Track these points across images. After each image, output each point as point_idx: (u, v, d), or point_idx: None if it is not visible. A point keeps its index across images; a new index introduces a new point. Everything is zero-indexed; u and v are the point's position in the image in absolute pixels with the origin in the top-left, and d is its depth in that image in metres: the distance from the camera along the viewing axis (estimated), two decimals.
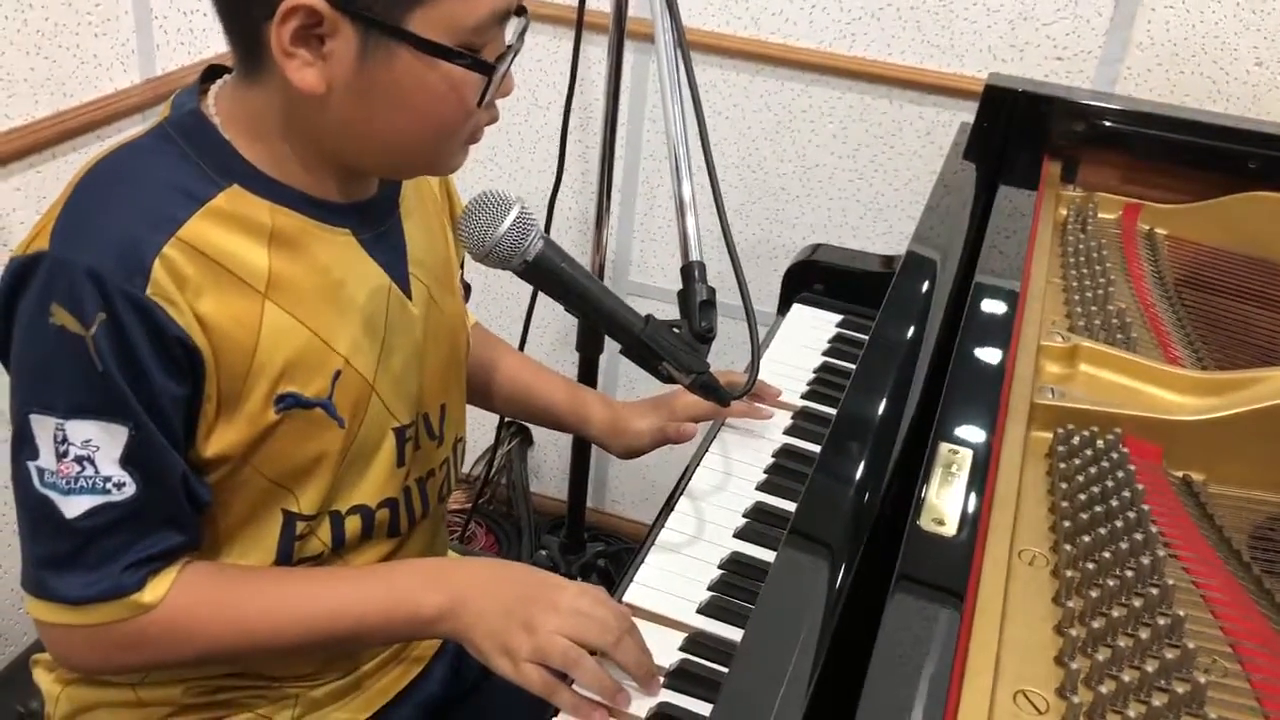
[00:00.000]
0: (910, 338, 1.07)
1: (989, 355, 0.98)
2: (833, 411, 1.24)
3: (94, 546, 0.84)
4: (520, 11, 0.90)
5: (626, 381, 2.19)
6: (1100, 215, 1.38)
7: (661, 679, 0.88)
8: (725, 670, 0.88)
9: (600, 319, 0.96)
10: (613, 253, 1.98)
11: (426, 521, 1.07)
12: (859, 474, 0.90)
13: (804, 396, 1.28)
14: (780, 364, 1.33)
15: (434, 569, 0.94)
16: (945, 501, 0.80)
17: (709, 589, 0.99)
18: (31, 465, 0.83)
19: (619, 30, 1.71)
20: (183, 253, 0.82)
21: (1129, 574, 0.77)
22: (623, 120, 1.85)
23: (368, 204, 0.95)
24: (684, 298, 1.05)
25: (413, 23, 0.81)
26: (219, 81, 0.91)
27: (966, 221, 1.28)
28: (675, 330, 0.98)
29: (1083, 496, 0.85)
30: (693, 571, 1.01)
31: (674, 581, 1.00)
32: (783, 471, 1.15)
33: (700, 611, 0.96)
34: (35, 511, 0.84)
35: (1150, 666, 0.70)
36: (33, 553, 0.86)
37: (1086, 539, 0.80)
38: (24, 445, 0.83)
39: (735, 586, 0.99)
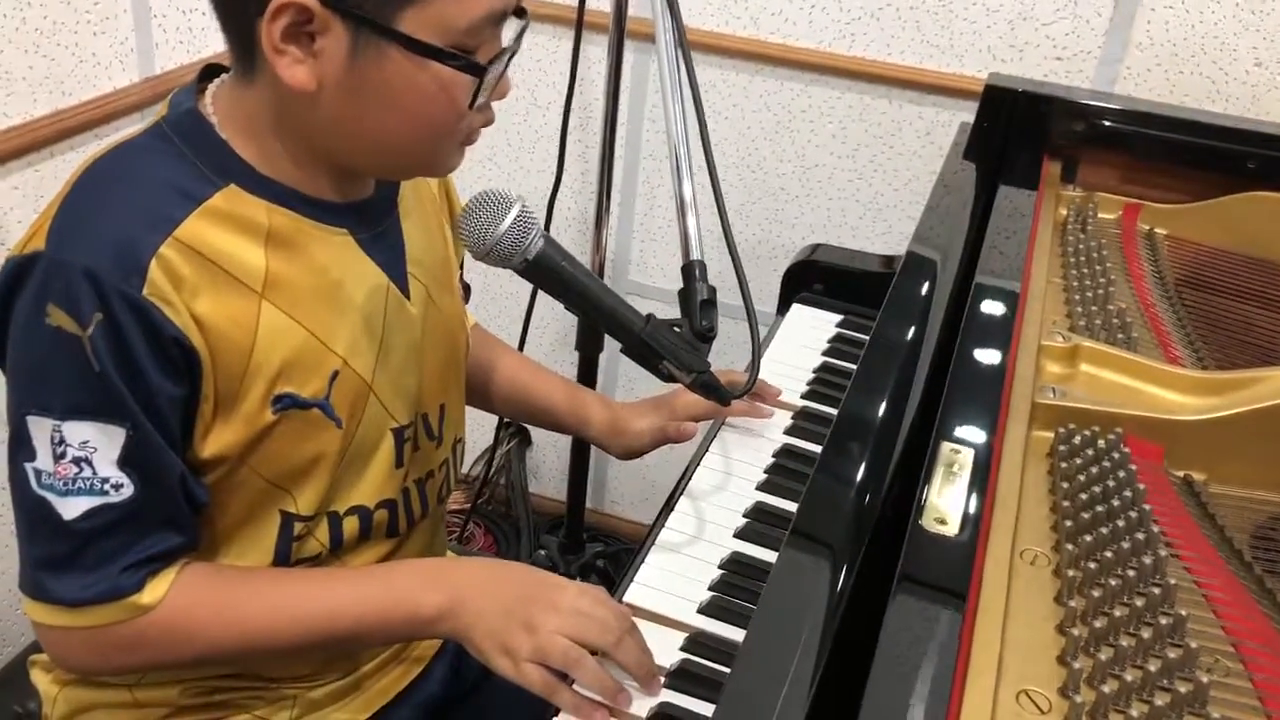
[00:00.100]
0: (911, 338, 1.07)
1: (990, 355, 0.98)
2: (833, 411, 1.24)
3: (92, 548, 0.84)
4: (520, 13, 0.90)
5: (626, 381, 2.18)
6: (1100, 215, 1.38)
7: (662, 679, 0.88)
8: (726, 670, 0.88)
9: (601, 318, 0.96)
10: (612, 252, 1.97)
11: (426, 522, 1.07)
12: (860, 474, 0.89)
13: (804, 396, 1.28)
14: (780, 364, 1.33)
15: (433, 569, 0.93)
16: (947, 501, 0.79)
17: (709, 589, 0.99)
18: (29, 467, 0.83)
19: (619, 30, 1.70)
20: (179, 253, 0.82)
21: (1131, 573, 0.77)
22: (622, 120, 1.85)
23: (366, 204, 0.95)
24: (685, 297, 1.05)
25: (404, 22, 0.80)
26: (217, 81, 0.91)
27: (967, 222, 1.28)
28: (676, 329, 0.98)
29: (1084, 496, 0.85)
30: (693, 571, 1.01)
31: (674, 581, 1.00)
32: (783, 471, 1.15)
33: (701, 611, 0.96)
34: (33, 513, 0.84)
35: (1153, 666, 0.70)
36: (30, 554, 0.86)
37: (1088, 538, 0.80)
38: (21, 447, 0.83)
39: (736, 586, 0.99)
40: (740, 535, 1.06)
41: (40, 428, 0.82)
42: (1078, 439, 0.93)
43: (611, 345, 1.95)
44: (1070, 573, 0.77)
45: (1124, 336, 1.09)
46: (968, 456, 0.84)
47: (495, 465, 2.21)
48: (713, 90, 1.91)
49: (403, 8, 0.80)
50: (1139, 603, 0.75)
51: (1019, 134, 1.43)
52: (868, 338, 1.39)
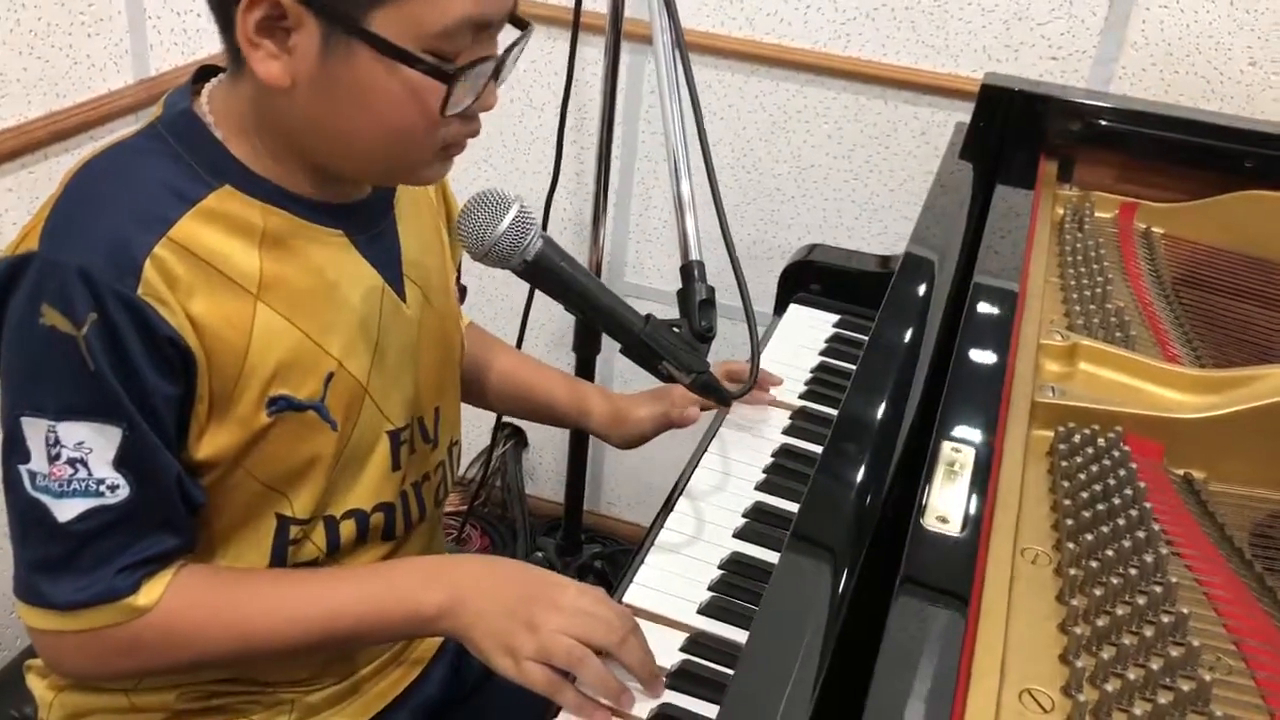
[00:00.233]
0: (910, 338, 1.07)
1: (989, 354, 0.98)
2: (831, 411, 1.24)
3: (87, 550, 0.83)
4: (520, 25, 0.89)
5: (622, 382, 2.18)
6: (1097, 214, 1.38)
7: (664, 680, 0.87)
8: (726, 671, 0.88)
9: (600, 318, 0.96)
10: (608, 254, 1.97)
11: (423, 525, 1.06)
12: (861, 475, 0.89)
13: (802, 396, 1.28)
14: (778, 364, 1.32)
15: (434, 567, 0.93)
16: (948, 500, 0.79)
17: (709, 589, 0.98)
18: (22, 469, 0.82)
19: (615, 31, 1.70)
20: (174, 253, 0.82)
21: (1132, 572, 0.77)
22: (618, 121, 1.84)
23: (361, 205, 0.94)
24: (684, 297, 1.05)
25: (374, 22, 0.79)
26: (213, 81, 0.91)
27: (964, 221, 1.27)
28: (675, 329, 0.98)
29: (1085, 494, 0.85)
30: (692, 572, 1.01)
31: (674, 582, 0.99)
32: (782, 471, 1.14)
33: (701, 612, 0.96)
34: (27, 515, 0.83)
35: (1155, 664, 0.69)
36: (24, 558, 0.85)
37: (1089, 537, 0.80)
38: (14, 448, 0.82)
39: (735, 587, 0.98)
40: (739, 535, 1.05)
41: (35, 429, 0.81)
42: (1077, 437, 0.93)
43: (609, 346, 1.96)
44: (1072, 571, 0.77)
45: (1122, 335, 1.09)
46: (968, 456, 0.83)
47: (491, 467, 2.21)
48: (708, 91, 1.91)
49: (374, 7, 0.78)
50: (1140, 601, 0.74)
51: (1015, 134, 1.43)
52: (865, 337, 1.39)
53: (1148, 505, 0.84)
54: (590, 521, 2.23)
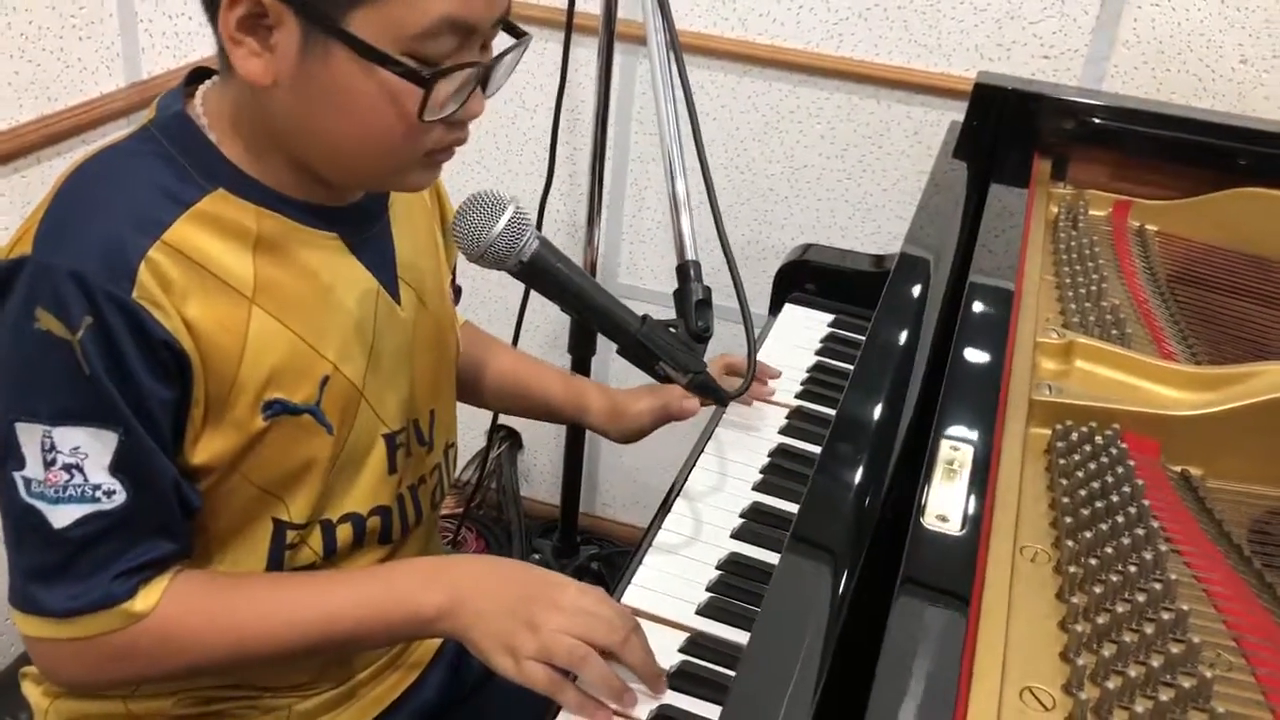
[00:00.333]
0: (907, 338, 1.07)
1: (986, 353, 0.98)
2: (828, 411, 1.24)
3: (83, 556, 0.83)
4: (514, 32, 0.88)
5: (618, 383, 2.14)
6: (1091, 212, 1.38)
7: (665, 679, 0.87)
8: (726, 672, 0.88)
9: (596, 318, 0.96)
10: (601, 255, 1.97)
11: (420, 529, 1.06)
12: (860, 476, 0.89)
13: (798, 396, 1.28)
14: (773, 364, 1.32)
15: (432, 567, 0.92)
16: (947, 500, 0.79)
17: (707, 590, 0.98)
18: (17, 475, 0.81)
19: (609, 32, 1.70)
20: (168, 256, 0.81)
21: (1132, 569, 0.77)
22: (610, 122, 1.84)
23: (355, 208, 0.94)
24: (680, 297, 1.04)
25: (353, 23, 0.78)
26: (206, 83, 0.90)
27: (959, 221, 1.27)
28: (672, 330, 0.98)
29: (1083, 492, 0.85)
30: (691, 573, 1.00)
31: (672, 583, 0.99)
32: (779, 471, 1.14)
33: (699, 613, 0.96)
34: (22, 522, 0.82)
35: (1156, 661, 0.69)
36: (19, 565, 0.84)
37: (1088, 535, 0.80)
38: (9, 454, 0.81)
39: (734, 587, 0.98)
40: (737, 536, 1.05)
41: (29, 434, 0.81)
42: (1075, 435, 0.93)
43: (604, 347, 1.96)
44: (1071, 569, 0.77)
45: (1118, 333, 1.09)
46: (967, 454, 0.83)
47: (486, 469, 2.20)
48: (701, 91, 1.90)
49: (352, 8, 0.77)
50: (1140, 598, 0.74)
51: (1009, 132, 1.43)
52: (860, 337, 1.39)
53: (1146, 502, 0.84)
54: (586, 523, 2.23)
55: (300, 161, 0.87)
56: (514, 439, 2.29)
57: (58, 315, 0.78)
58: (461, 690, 1.15)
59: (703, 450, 1.18)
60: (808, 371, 1.33)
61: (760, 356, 1.34)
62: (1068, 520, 0.82)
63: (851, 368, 1.32)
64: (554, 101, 1.86)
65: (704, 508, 1.09)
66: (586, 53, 1.87)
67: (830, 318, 1.46)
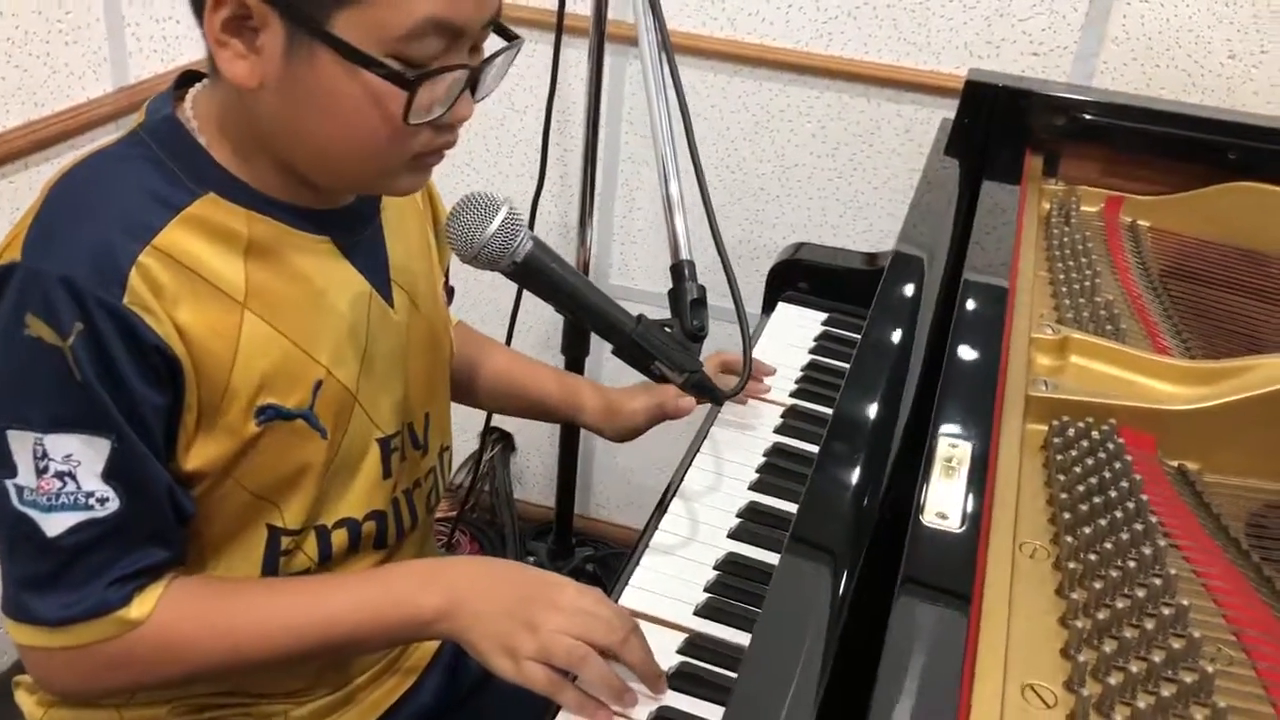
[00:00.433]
0: (902, 336, 1.07)
1: (982, 350, 0.97)
2: (823, 409, 1.24)
3: (77, 564, 0.82)
4: (507, 35, 0.87)
5: (611, 384, 2.17)
6: (1083, 208, 1.38)
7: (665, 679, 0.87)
8: (724, 672, 0.88)
9: (591, 318, 0.95)
10: (593, 256, 1.97)
11: (415, 533, 1.06)
12: (859, 475, 0.89)
13: (793, 395, 1.28)
14: (768, 363, 1.32)
15: (429, 569, 0.91)
16: (947, 497, 0.79)
17: (705, 590, 0.98)
18: (9, 483, 0.81)
19: (599, 33, 1.70)
20: (159, 261, 0.80)
21: (1131, 564, 0.77)
22: (601, 123, 1.84)
23: (347, 211, 0.93)
24: (675, 296, 1.04)
25: (337, 24, 0.77)
26: (196, 86, 0.90)
27: (952, 218, 1.27)
28: (667, 329, 0.98)
29: (1081, 488, 0.85)
30: (688, 573, 1.00)
31: (669, 584, 0.99)
32: (775, 470, 1.14)
33: (697, 614, 0.95)
34: (14, 531, 0.82)
35: (1157, 657, 0.69)
36: (12, 574, 0.84)
37: (1087, 530, 0.80)
38: (0, 463, 0.81)
39: (732, 588, 0.98)
40: (734, 535, 1.05)
41: (21, 442, 0.80)
42: (1071, 431, 0.92)
43: (597, 348, 1.95)
44: (1070, 565, 0.77)
45: (1112, 328, 1.09)
46: (965, 451, 0.83)
47: (480, 472, 2.20)
48: (691, 91, 1.89)
49: (336, 9, 0.77)
50: (1140, 593, 0.74)
51: (1000, 129, 1.43)
52: (854, 335, 1.40)
53: (1144, 498, 0.84)
54: (580, 525, 2.23)
55: (288, 164, 0.86)
56: (507, 441, 2.29)
57: (48, 322, 0.77)
58: (459, 694, 1.14)
59: (698, 450, 1.17)
60: (802, 370, 1.33)
61: (754, 355, 1.33)
62: (1066, 516, 0.82)
63: (846, 366, 1.32)
64: (543, 103, 1.85)
65: (700, 508, 1.09)
66: (575, 54, 1.87)
67: (824, 316, 1.46)
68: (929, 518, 0.77)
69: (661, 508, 1.09)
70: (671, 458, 1.18)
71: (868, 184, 1.90)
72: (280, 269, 0.88)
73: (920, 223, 1.27)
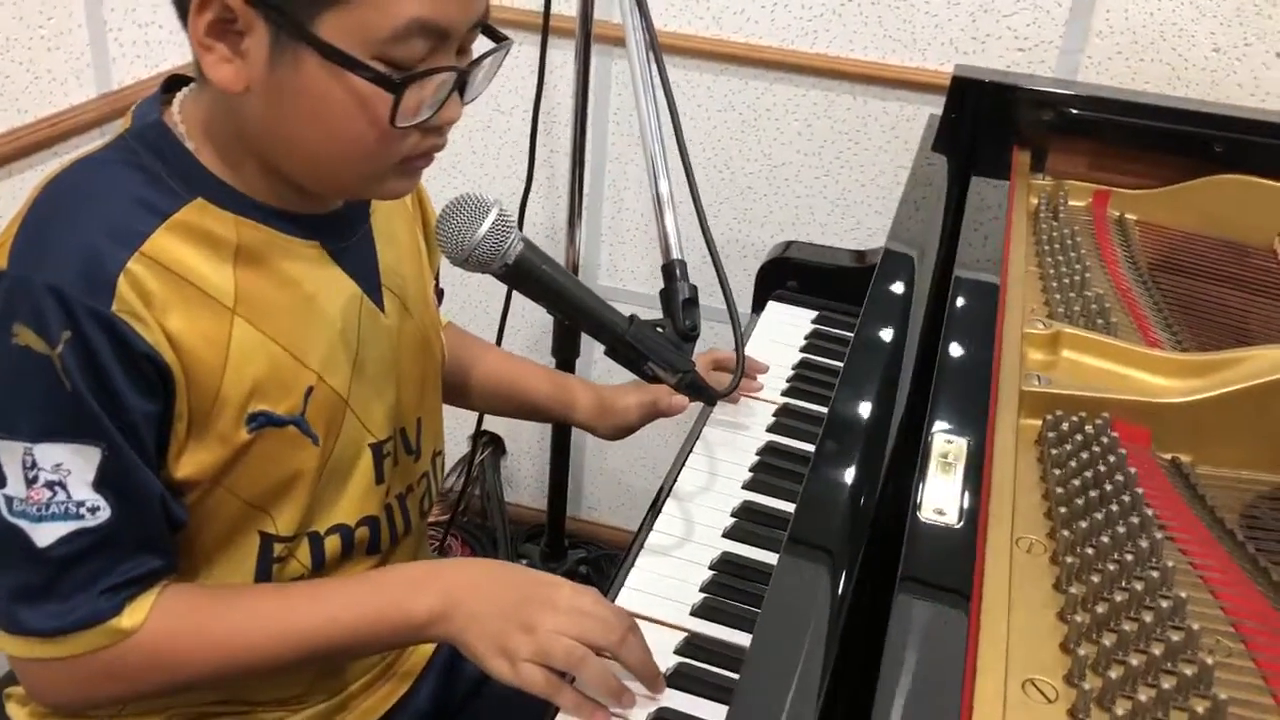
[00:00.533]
0: (895, 334, 1.07)
1: (975, 345, 0.97)
2: (815, 407, 1.24)
3: (69, 575, 0.81)
4: (494, 35, 0.87)
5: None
6: (1071, 203, 1.38)
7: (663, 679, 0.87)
8: (722, 672, 0.87)
9: (583, 320, 0.95)
10: (582, 257, 1.96)
11: (409, 538, 1.05)
12: (856, 474, 0.89)
13: (785, 393, 1.27)
14: (760, 361, 1.32)
15: (424, 572, 0.91)
16: (944, 493, 0.79)
17: (701, 590, 0.98)
18: None
19: (585, 33, 1.69)
20: (147, 268, 0.80)
21: (1128, 557, 0.77)
22: (588, 123, 1.83)
23: (336, 215, 0.93)
24: (666, 296, 1.04)
25: (321, 27, 0.76)
26: (183, 91, 0.89)
27: (942, 214, 1.27)
28: (659, 329, 0.97)
29: (1076, 482, 0.85)
30: (683, 573, 1.00)
31: (665, 585, 0.98)
32: (769, 469, 1.14)
33: (694, 614, 0.95)
34: (4, 542, 0.81)
35: (1156, 649, 0.69)
36: (3, 585, 0.83)
37: (1083, 524, 0.80)
38: None
39: (728, 587, 0.98)
40: (729, 535, 1.05)
41: (10, 452, 0.79)
42: (1065, 425, 0.92)
43: (587, 350, 1.95)
44: (1068, 559, 0.77)
45: (1103, 322, 1.09)
46: (961, 448, 0.83)
47: (472, 475, 2.19)
48: (677, 91, 1.87)
49: (321, 11, 0.76)
50: (1138, 586, 0.74)
51: (988, 125, 1.43)
52: (844, 333, 1.40)
53: (1140, 491, 0.84)
54: (571, 527, 2.22)
55: (276, 169, 0.86)
56: (497, 444, 2.28)
57: (36, 330, 0.77)
58: (454, 698, 1.14)
59: (691, 450, 1.17)
60: (793, 369, 1.33)
61: (745, 354, 1.33)
62: (1062, 510, 0.82)
63: (837, 364, 1.32)
64: (528, 105, 1.85)
65: (695, 508, 1.08)
66: (560, 55, 1.87)
67: (814, 314, 1.46)
68: (926, 514, 0.77)
69: (655, 508, 1.08)
70: (662, 459, 1.18)
71: (855, 181, 1.90)
72: (270, 274, 0.87)
73: (910, 220, 1.27)
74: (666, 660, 0.89)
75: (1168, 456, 0.95)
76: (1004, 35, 1.74)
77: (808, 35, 1.82)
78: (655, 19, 1.83)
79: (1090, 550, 0.78)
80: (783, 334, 1.41)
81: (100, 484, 0.80)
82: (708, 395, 1.02)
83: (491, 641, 0.84)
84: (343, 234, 0.94)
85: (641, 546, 1.03)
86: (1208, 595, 0.77)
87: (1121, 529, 0.79)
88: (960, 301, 1.05)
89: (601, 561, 2.16)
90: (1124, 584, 0.75)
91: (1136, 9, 1.68)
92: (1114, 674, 0.67)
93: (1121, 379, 1.00)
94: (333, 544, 0.95)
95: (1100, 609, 0.72)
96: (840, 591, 0.76)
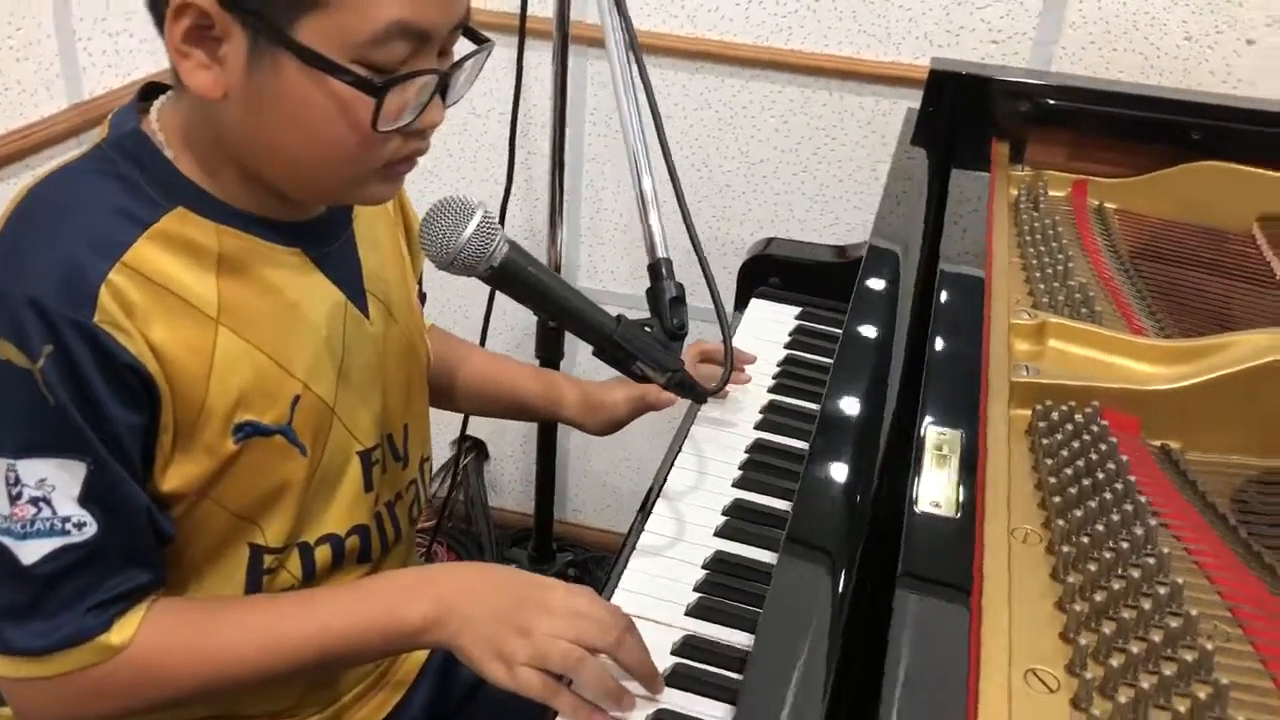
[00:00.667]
0: (883, 330, 1.06)
1: (963, 338, 0.98)
2: (802, 404, 1.24)
3: (55, 592, 0.80)
4: (475, 38, 0.86)
5: None
6: (1050, 193, 1.39)
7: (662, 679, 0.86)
8: (721, 672, 0.87)
9: (570, 321, 0.94)
10: (562, 259, 1.95)
11: (400, 546, 1.04)
12: (851, 471, 0.88)
13: (771, 390, 1.27)
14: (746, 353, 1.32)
15: (416, 578, 0.90)
16: (941, 486, 0.79)
17: (695, 590, 0.97)
18: None
19: (562, 34, 1.69)
20: (129, 279, 0.79)
21: (1124, 545, 0.77)
22: (566, 124, 1.83)
23: (318, 221, 0.92)
24: (653, 295, 1.03)
25: (300, 31, 0.76)
26: (160, 98, 0.88)
27: (924, 208, 1.28)
28: (647, 329, 0.97)
29: (1069, 471, 0.85)
30: (677, 573, 0.99)
31: (659, 585, 0.98)
32: (758, 467, 1.13)
33: (689, 614, 0.94)
34: None
35: (1156, 636, 0.69)
36: None
37: (1078, 513, 0.80)
38: None
39: (722, 586, 0.97)
40: (721, 534, 1.04)
41: None
42: (1055, 415, 0.93)
43: (571, 352, 1.94)
44: (1064, 548, 0.77)
45: (1087, 310, 1.10)
46: (954, 440, 0.83)
47: (456, 481, 2.18)
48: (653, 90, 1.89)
49: (300, 16, 0.75)
50: (1135, 574, 0.75)
51: (966, 117, 1.43)
52: (829, 328, 1.40)
53: (1132, 478, 0.84)
54: (557, 530, 2.21)
55: (256, 176, 0.85)
56: (480, 449, 2.27)
57: (17, 344, 0.75)
58: (449, 704, 1.13)
59: (680, 449, 1.17)
60: (779, 365, 1.33)
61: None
62: (1056, 500, 0.82)
63: (823, 359, 1.32)
64: (504, 107, 1.84)
65: (685, 507, 1.08)
66: (535, 56, 1.86)
67: (797, 310, 1.46)
68: (925, 507, 0.76)
69: (646, 509, 1.08)
70: (646, 459, 1.18)
71: (832, 177, 1.90)
72: (252, 283, 0.86)
73: (892, 215, 1.27)
74: (663, 661, 0.88)
75: (1157, 443, 0.95)
76: (978, 28, 1.74)
77: (782, 31, 1.82)
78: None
79: (1086, 539, 0.78)
80: (767, 331, 1.40)
81: (86, 499, 0.79)
82: (697, 393, 1.02)
83: (487, 646, 0.84)
84: (325, 240, 0.93)
85: (633, 548, 1.02)
86: (1203, 580, 0.77)
87: (1116, 517, 0.79)
88: (946, 295, 1.05)
89: (589, 564, 2.16)
90: (1121, 571, 0.75)
91: None
92: (1115, 662, 0.68)
93: (1108, 367, 1.01)
94: (323, 554, 0.94)
95: (1099, 597, 0.73)
96: (841, 589, 0.76)
